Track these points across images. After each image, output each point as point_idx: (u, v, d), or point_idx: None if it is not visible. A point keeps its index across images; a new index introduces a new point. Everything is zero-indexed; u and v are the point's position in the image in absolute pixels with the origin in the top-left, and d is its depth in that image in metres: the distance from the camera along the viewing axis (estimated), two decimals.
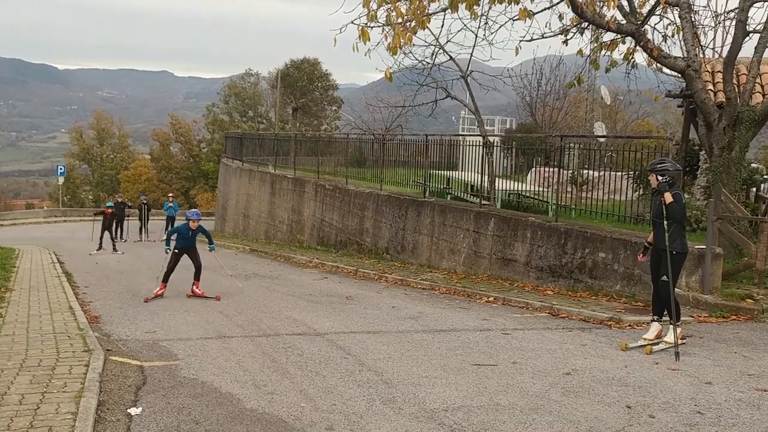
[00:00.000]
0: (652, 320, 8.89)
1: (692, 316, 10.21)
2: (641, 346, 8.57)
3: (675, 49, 14.09)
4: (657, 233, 8.62)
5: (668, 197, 8.30)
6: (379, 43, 12.82)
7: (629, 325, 10.01)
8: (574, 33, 14.46)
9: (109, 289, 14.13)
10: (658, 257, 8.63)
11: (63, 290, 13.35)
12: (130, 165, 74.37)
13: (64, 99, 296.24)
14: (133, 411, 6.24)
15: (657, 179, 8.48)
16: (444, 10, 13.30)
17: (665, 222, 8.32)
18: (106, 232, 24.32)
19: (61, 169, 52.68)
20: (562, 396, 6.70)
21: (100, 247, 23.74)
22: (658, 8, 13.30)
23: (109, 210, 24.35)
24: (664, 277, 8.43)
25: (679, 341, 8.33)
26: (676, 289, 10.90)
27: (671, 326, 8.42)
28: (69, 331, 9.21)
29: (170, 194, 35.90)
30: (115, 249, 23.94)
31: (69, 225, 43.53)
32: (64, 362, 7.53)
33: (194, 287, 12.88)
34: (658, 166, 8.56)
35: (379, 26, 12.63)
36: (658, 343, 8.54)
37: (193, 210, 13.37)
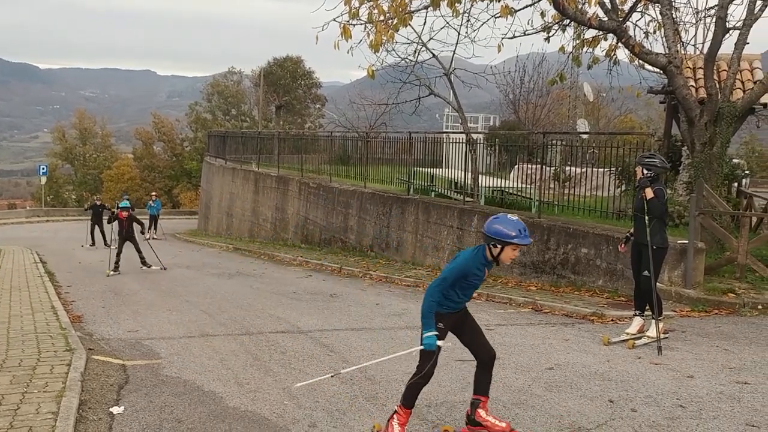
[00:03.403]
0: (635, 315, 8.94)
1: (675, 311, 10.27)
2: (623, 340, 8.61)
3: (657, 45, 14.22)
4: (638, 227, 8.66)
5: (649, 193, 8.34)
6: (361, 40, 12.83)
7: (612, 320, 10.06)
8: (556, 30, 14.53)
9: (92, 289, 14.03)
10: (638, 252, 8.66)
11: (45, 290, 13.26)
12: (113, 164, 74.02)
13: (45, 98, 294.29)
14: (115, 410, 6.20)
15: (642, 173, 8.51)
16: (426, 7, 13.31)
17: (646, 217, 8.36)
18: (126, 245, 17.47)
19: (43, 168, 52.27)
20: (545, 391, 6.73)
21: (117, 268, 16.78)
22: (639, 5, 13.36)
23: (125, 214, 17.43)
24: (646, 272, 8.47)
25: (662, 336, 8.38)
26: (658, 283, 10.99)
27: (653, 321, 8.47)
28: (51, 331, 9.14)
29: (153, 193, 35.69)
30: (144, 263, 17.61)
31: (52, 225, 43.22)
32: (46, 362, 7.47)
33: (481, 411, 5.67)
34: (646, 159, 8.57)
35: (361, 24, 12.63)
36: (640, 338, 8.58)
37: (514, 219, 5.36)
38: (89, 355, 7.87)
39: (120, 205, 17.83)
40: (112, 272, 16.48)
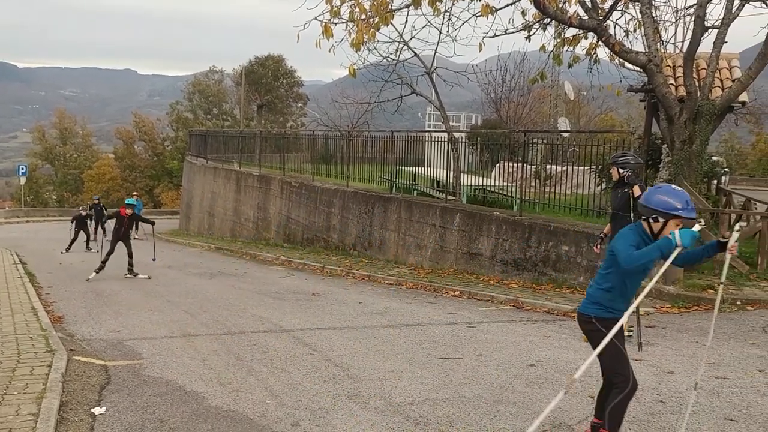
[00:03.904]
0: None
1: (655, 307, 10.36)
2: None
3: (637, 44, 14.30)
4: (617, 225, 8.63)
5: (637, 190, 8.32)
6: (342, 39, 12.79)
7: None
8: (537, 29, 14.56)
9: (73, 289, 13.93)
10: None
11: (25, 291, 13.14)
12: (94, 164, 73.49)
13: (25, 98, 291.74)
14: (96, 410, 6.17)
15: (618, 172, 8.54)
16: (407, 6, 13.30)
17: (631, 214, 8.34)
18: (119, 245, 15.82)
19: (22, 168, 51.69)
20: (527, 387, 6.77)
21: (100, 270, 15.49)
22: (619, 4, 13.43)
23: (129, 212, 15.87)
24: None
25: (626, 333, 8.40)
26: None
27: None
28: (31, 332, 9.06)
29: (134, 193, 35.40)
30: (131, 271, 15.84)
31: (32, 225, 42.81)
32: (26, 363, 7.40)
33: None
34: (620, 159, 8.61)
35: (342, 22, 12.61)
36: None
37: (678, 189, 4.91)
38: (70, 356, 7.81)
39: (126, 202, 16.40)
40: (93, 274, 15.34)
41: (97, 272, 15.45)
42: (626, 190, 8.48)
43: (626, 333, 8.49)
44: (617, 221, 8.61)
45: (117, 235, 15.81)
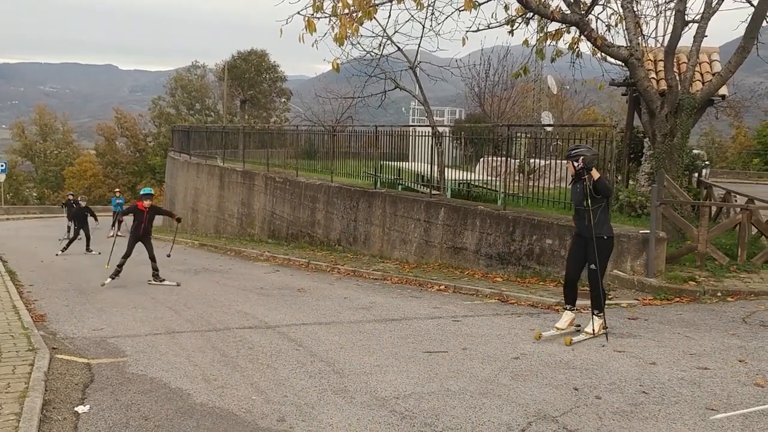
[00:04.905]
0: (565, 309, 8.72)
1: (637, 299, 10.43)
2: (554, 335, 8.45)
3: (618, 38, 14.36)
4: (582, 221, 8.37)
5: (596, 173, 8.09)
6: (326, 34, 12.78)
7: (576, 309, 10.14)
8: (520, 23, 14.61)
9: (55, 288, 13.83)
10: (585, 246, 8.39)
11: (6, 289, 13.03)
12: (75, 161, 72.99)
13: (3, 93, 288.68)
14: (80, 409, 6.15)
15: (573, 166, 8.26)
16: (390, 0, 13.31)
17: (590, 204, 8.11)
18: (138, 246, 14.12)
19: (2, 166, 51.13)
20: (511, 380, 6.80)
21: (117, 274, 13.78)
22: None
23: (147, 204, 14.13)
24: (593, 266, 8.25)
25: (601, 332, 8.36)
26: (620, 273, 11.15)
27: (593, 316, 8.42)
28: (12, 331, 9.00)
29: (117, 189, 35.19)
30: (156, 277, 13.98)
31: (12, 223, 42.45)
32: (7, 362, 7.35)
33: None
34: (573, 152, 8.34)
35: (325, 17, 12.60)
36: (578, 334, 8.45)
37: None
38: (53, 355, 7.77)
39: (143, 192, 14.56)
40: (109, 280, 13.63)
41: (113, 278, 13.70)
42: (583, 182, 8.20)
43: (601, 332, 8.45)
44: (579, 216, 8.42)
45: (136, 234, 13.98)
